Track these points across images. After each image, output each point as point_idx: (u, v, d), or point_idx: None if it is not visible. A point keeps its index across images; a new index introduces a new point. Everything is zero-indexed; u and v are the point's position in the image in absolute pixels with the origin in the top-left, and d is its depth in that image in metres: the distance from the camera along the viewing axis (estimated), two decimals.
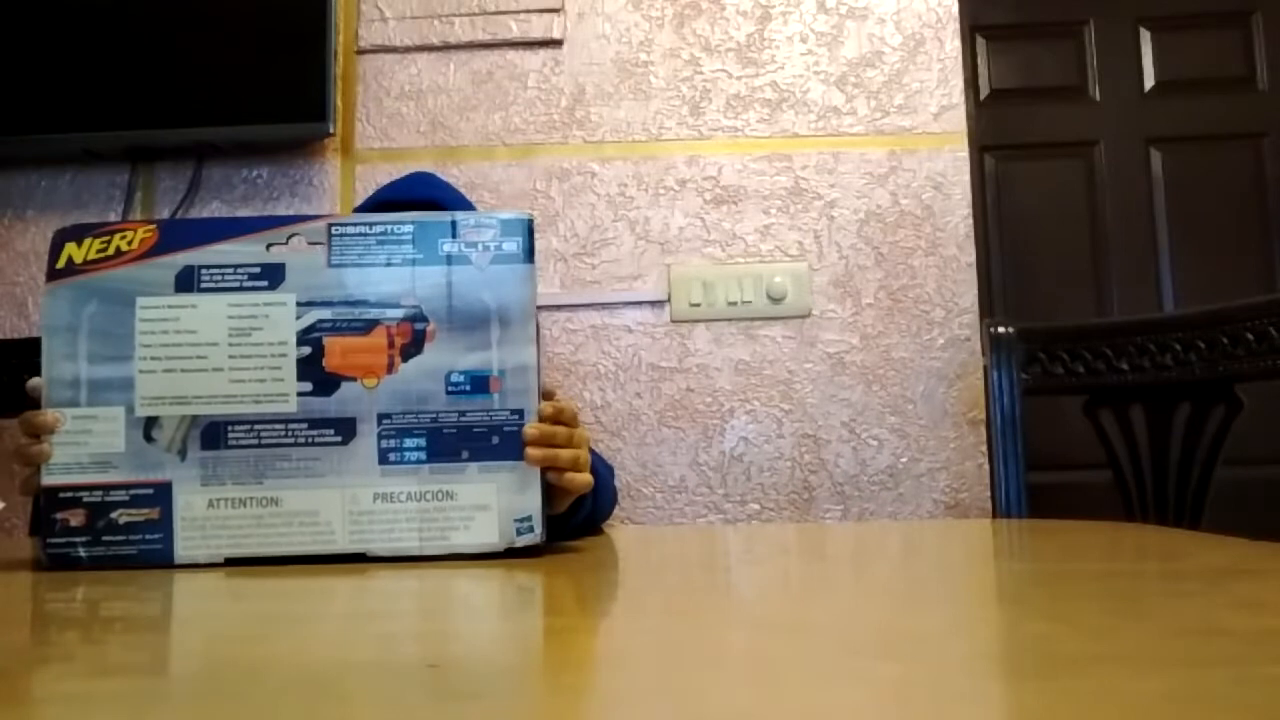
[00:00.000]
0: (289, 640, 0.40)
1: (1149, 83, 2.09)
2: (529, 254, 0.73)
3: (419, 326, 0.71)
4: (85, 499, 0.67)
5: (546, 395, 0.74)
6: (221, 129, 1.55)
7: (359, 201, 1.50)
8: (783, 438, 1.54)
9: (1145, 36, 2.10)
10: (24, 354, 1.27)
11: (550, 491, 0.73)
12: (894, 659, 0.33)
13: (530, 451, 0.70)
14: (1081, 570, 0.57)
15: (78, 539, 0.67)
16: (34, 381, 0.70)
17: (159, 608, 0.52)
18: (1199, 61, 2.08)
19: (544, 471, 0.71)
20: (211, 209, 1.61)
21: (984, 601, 0.49)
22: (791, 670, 0.32)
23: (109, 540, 0.67)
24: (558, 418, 0.73)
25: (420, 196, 1.08)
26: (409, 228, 0.72)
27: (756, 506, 1.54)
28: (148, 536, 0.67)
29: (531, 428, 0.70)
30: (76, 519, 0.67)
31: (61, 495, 0.68)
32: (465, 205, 1.13)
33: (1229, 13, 2.09)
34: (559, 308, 1.57)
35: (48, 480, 0.68)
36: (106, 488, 0.68)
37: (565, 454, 0.73)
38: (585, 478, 0.76)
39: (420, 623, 0.45)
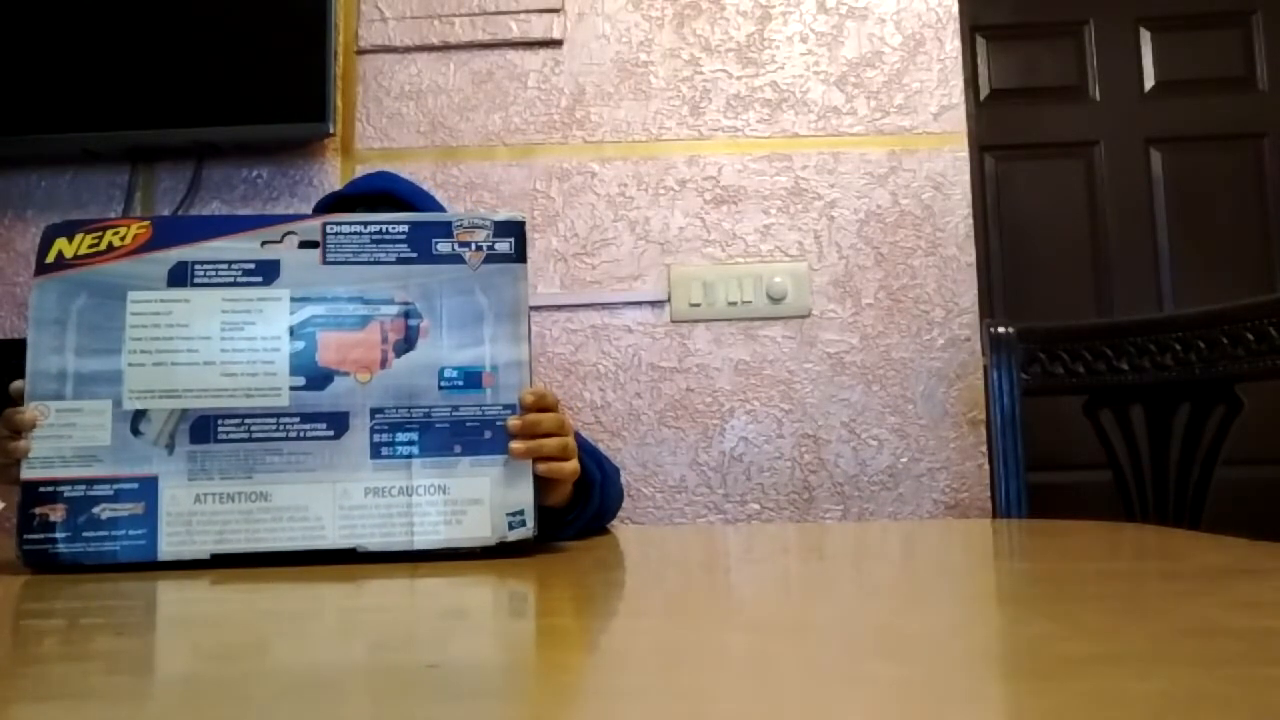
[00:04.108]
0: (285, 641, 0.40)
1: (1149, 83, 2.09)
2: (521, 254, 0.73)
3: (412, 323, 0.71)
4: (66, 494, 0.66)
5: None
6: (221, 129, 1.55)
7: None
8: (783, 438, 1.54)
9: (1145, 36, 2.10)
10: (25, 354, 1.27)
11: (544, 484, 0.73)
12: (894, 659, 0.33)
13: (514, 445, 0.70)
14: (1081, 570, 0.57)
15: (56, 535, 0.66)
16: (16, 384, 0.69)
17: (148, 610, 0.52)
18: (1199, 61, 2.08)
19: (533, 462, 0.71)
20: (211, 209, 1.61)
21: (984, 601, 0.49)
22: (791, 671, 0.32)
23: (90, 536, 0.66)
24: (540, 403, 0.72)
25: (378, 189, 1.09)
26: (404, 228, 0.72)
27: (756, 506, 1.54)
28: (131, 532, 0.66)
29: (514, 419, 0.70)
30: (56, 514, 0.66)
31: (41, 490, 0.66)
32: (427, 199, 1.13)
33: (1229, 13, 2.09)
34: (559, 308, 1.57)
35: (28, 474, 0.67)
36: (89, 482, 0.67)
37: (551, 443, 0.73)
38: (572, 465, 0.76)
39: (418, 623, 0.45)
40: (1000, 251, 2.05)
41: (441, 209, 1.18)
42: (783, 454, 1.54)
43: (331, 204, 1.11)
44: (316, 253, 0.71)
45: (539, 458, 0.72)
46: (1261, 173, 2.05)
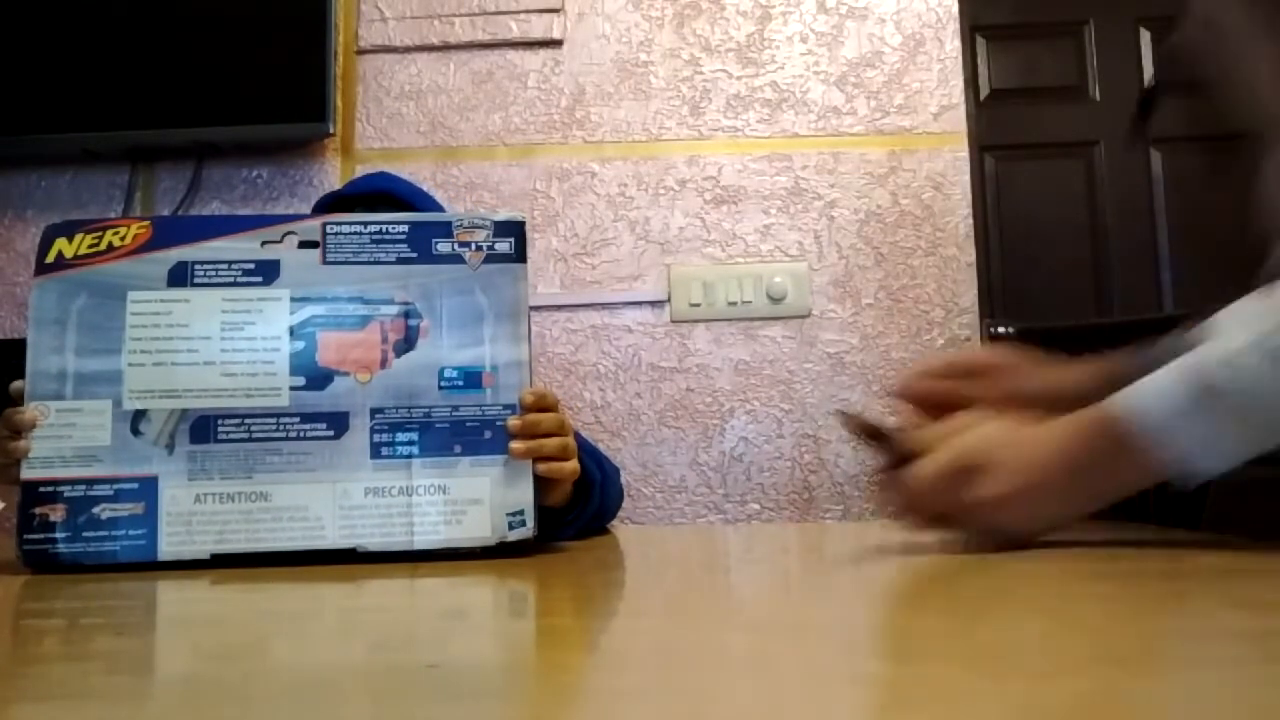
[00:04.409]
0: (285, 641, 0.40)
1: (1149, 83, 2.09)
2: (521, 254, 0.73)
3: (412, 323, 0.71)
4: (66, 494, 0.66)
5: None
6: (221, 129, 1.55)
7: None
8: (783, 438, 1.54)
9: (1145, 36, 2.10)
10: (25, 354, 1.27)
11: (544, 484, 0.73)
12: (894, 659, 0.33)
13: (514, 445, 0.70)
14: (1081, 570, 0.57)
15: (56, 535, 0.66)
16: (17, 384, 0.69)
17: (148, 610, 0.52)
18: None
19: (533, 462, 0.71)
20: (211, 209, 1.61)
21: (983, 601, 0.49)
22: (791, 670, 0.32)
23: (90, 536, 0.66)
24: (540, 403, 0.72)
25: (377, 189, 1.09)
26: (403, 228, 0.72)
27: (756, 506, 1.54)
28: (131, 532, 0.66)
29: (514, 419, 0.70)
30: (56, 514, 0.66)
31: (41, 490, 0.66)
32: (426, 199, 1.13)
33: None
34: (559, 308, 1.57)
35: (28, 474, 0.66)
36: (90, 481, 0.67)
37: (551, 443, 0.73)
38: (572, 465, 0.76)
39: (418, 623, 0.45)
40: (1000, 251, 2.05)
41: (441, 209, 1.19)
42: (783, 454, 1.54)
43: (330, 204, 1.11)
44: (316, 253, 0.71)
45: (539, 458, 0.72)
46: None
